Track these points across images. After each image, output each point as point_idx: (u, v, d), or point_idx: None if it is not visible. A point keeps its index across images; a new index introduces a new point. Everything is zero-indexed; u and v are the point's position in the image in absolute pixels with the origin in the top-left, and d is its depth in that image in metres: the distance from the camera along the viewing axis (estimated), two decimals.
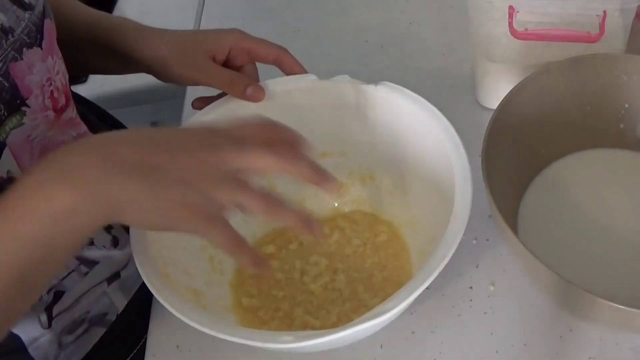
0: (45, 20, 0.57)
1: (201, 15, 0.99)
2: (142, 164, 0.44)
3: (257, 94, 0.63)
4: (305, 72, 0.66)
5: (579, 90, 0.67)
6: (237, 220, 0.65)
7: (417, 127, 0.60)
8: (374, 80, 0.63)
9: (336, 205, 0.69)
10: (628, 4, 0.68)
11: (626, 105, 0.68)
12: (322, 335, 0.47)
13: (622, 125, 0.69)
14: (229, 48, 0.65)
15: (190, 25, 0.99)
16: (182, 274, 0.58)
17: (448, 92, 0.80)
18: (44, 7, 0.57)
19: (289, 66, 0.66)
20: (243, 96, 0.63)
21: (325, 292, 0.63)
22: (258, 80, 0.67)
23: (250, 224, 0.66)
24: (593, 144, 0.70)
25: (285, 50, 0.66)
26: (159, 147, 0.45)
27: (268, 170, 0.47)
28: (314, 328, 0.60)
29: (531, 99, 0.65)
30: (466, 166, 0.55)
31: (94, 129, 0.69)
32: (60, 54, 0.61)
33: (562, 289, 0.55)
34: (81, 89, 1.02)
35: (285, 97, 0.65)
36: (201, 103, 0.67)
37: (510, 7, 0.69)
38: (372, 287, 0.62)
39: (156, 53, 0.65)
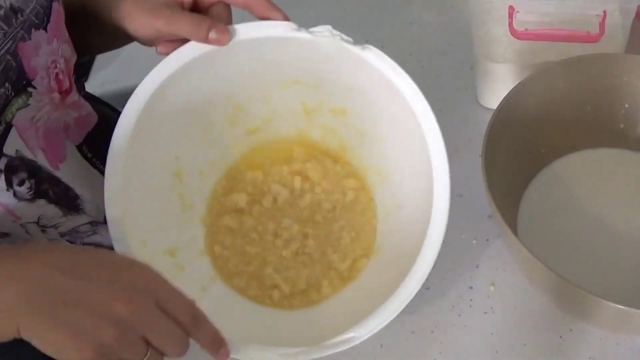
0: (53, 3, 0.57)
1: None
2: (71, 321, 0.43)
3: (220, 37, 0.59)
4: (283, 17, 0.61)
5: (579, 90, 0.67)
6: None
7: (395, 100, 0.58)
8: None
9: (302, 128, 0.68)
10: (628, 3, 0.68)
11: (626, 105, 0.68)
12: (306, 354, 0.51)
13: (622, 125, 0.69)
14: None
15: None
16: (159, 233, 0.59)
17: (448, 92, 0.80)
18: None
19: (261, 8, 0.60)
20: (207, 40, 0.59)
21: (296, 257, 0.64)
22: (229, 23, 0.61)
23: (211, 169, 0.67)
24: (593, 144, 0.70)
25: None
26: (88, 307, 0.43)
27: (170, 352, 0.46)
28: (282, 293, 0.61)
29: (531, 99, 0.65)
30: (444, 157, 0.54)
31: (106, 119, 0.70)
32: (67, 38, 0.61)
33: (562, 289, 0.55)
34: None
35: (257, 45, 0.60)
36: (166, 48, 0.62)
37: (510, 7, 0.69)
38: (340, 249, 0.63)
39: (121, 7, 0.61)
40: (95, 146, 0.67)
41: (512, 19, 0.69)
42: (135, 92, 0.59)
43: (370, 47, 0.58)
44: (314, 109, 0.67)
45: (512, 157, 0.65)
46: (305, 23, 0.94)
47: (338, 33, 0.58)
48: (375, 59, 0.58)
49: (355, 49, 0.58)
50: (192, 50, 0.60)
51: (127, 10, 0.61)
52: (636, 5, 0.69)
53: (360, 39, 0.89)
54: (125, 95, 0.89)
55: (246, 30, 0.60)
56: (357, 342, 0.52)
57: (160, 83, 0.59)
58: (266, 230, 0.65)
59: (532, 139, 0.67)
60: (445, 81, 0.82)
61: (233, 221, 0.65)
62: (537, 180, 0.69)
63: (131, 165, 0.58)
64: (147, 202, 0.60)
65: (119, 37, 0.64)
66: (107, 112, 0.76)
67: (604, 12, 0.68)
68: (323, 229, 0.65)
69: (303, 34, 0.59)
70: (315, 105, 0.67)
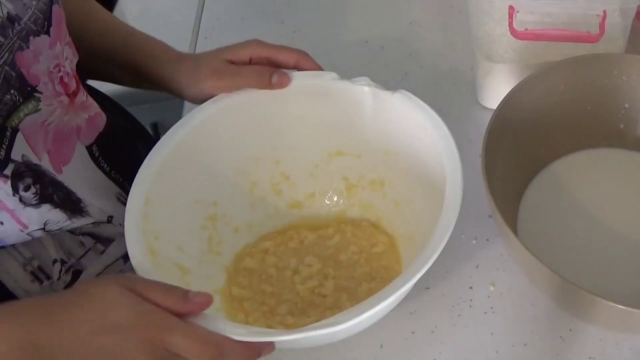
0: (52, 7, 0.57)
1: (201, 15, 0.99)
2: None
3: (282, 80, 0.64)
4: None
5: (579, 90, 0.67)
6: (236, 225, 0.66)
7: (424, 141, 0.61)
8: (390, 86, 0.63)
9: (342, 205, 0.69)
10: (628, 4, 0.68)
11: (626, 105, 0.68)
12: (274, 335, 0.50)
13: (622, 125, 0.69)
14: (249, 57, 0.66)
15: (190, 25, 0.99)
16: (174, 249, 0.60)
17: (448, 92, 0.80)
18: None
19: (308, 66, 0.67)
20: (269, 86, 0.64)
21: (311, 296, 0.63)
22: None
23: (250, 227, 0.68)
24: (593, 144, 0.70)
25: (305, 53, 0.67)
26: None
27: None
28: (285, 325, 0.60)
29: (531, 99, 0.65)
30: (459, 193, 0.55)
31: (113, 117, 0.71)
32: (68, 39, 0.61)
33: (562, 289, 0.55)
34: None
35: (303, 92, 0.65)
36: None
37: (510, 7, 0.69)
38: (356, 297, 0.62)
39: (179, 78, 0.67)
40: (104, 146, 0.67)
41: (512, 19, 0.69)
42: (178, 123, 0.64)
43: (403, 91, 0.62)
44: (355, 184, 0.69)
45: (512, 157, 0.65)
46: (306, 24, 0.94)
47: (373, 83, 0.63)
48: (406, 101, 0.62)
49: (387, 94, 0.62)
50: (238, 97, 0.65)
51: (186, 82, 0.66)
52: (636, 5, 0.69)
53: (360, 39, 0.89)
54: (124, 96, 0.89)
55: (293, 78, 0.65)
56: (338, 327, 0.49)
57: (201, 120, 0.64)
58: (286, 267, 0.65)
59: (532, 139, 0.67)
60: (445, 81, 0.82)
61: (254, 262, 0.66)
62: (537, 180, 0.69)
63: (161, 186, 0.60)
64: (172, 226, 0.61)
65: (157, 88, 0.70)
66: (110, 109, 0.76)
67: (604, 12, 0.68)
68: (345, 271, 0.64)
69: (344, 83, 0.64)
70: (356, 181, 0.69)
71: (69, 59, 0.61)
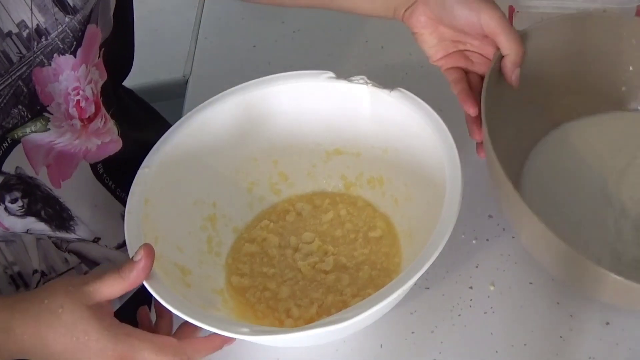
0: (88, 26, 0.55)
1: (201, 15, 0.99)
2: None
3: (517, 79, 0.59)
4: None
5: (583, 47, 0.65)
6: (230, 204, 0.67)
7: (423, 139, 0.61)
8: (389, 85, 0.63)
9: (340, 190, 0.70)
10: (628, 3, 0.68)
11: (630, 68, 0.66)
12: (277, 333, 0.51)
13: (624, 88, 0.67)
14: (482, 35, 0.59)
15: (190, 25, 0.99)
16: (174, 250, 0.60)
17: (448, 92, 0.80)
18: (91, 12, 0.55)
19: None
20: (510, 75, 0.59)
21: (312, 272, 0.63)
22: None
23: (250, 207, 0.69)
24: (593, 109, 0.68)
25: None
26: None
27: None
28: (293, 318, 0.61)
29: (534, 53, 0.62)
30: (459, 192, 0.55)
31: (135, 115, 0.70)
32: (97, 61, 0.59)
33: (565, 258, 0.53)
34: None
35: (300, 92, 0.65)
36: None
37: (510, 7, 0.69)
38: (356, 282, 0.62)
39: None
40: (111, 165, 0.66)
41: (512, 19, 0.69)
42: (174, 125, 0.63)
43: (401, 89, 0.62)
44: (354, 183, 0.69)
45: (513, 120, 0.63)
46: (306, 24, 0.94)
47: (371, 81, 0.63)
48: (403, 99, 0.62)
49: (385, 92, 0.62)
50: (236, 97, 0.64)
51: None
52: (636, 5, 0.69)
53: (360, 39, 0.89)
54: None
55: (290, 78, 0.65)
56: (342, 325, 0.49)
57: (200, 120, 0.63)
58: (287, 245, 0.66)
59: (533, 99, 0.65)
60: (445, 81, 0.81)
61: (255, 247, 0.66)
62: (538, 148, 0.67)
63: (161, 187, 0.60)
64: (172, 227, 0.61)
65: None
66: (140, 115, 0.75)
67: (604, 12, 0.68)
68: (343, 249, 0.65)
69: (341, 82, 0.64)
70: (354, 179, 0.69)
71: (94, 82, 0.58)
